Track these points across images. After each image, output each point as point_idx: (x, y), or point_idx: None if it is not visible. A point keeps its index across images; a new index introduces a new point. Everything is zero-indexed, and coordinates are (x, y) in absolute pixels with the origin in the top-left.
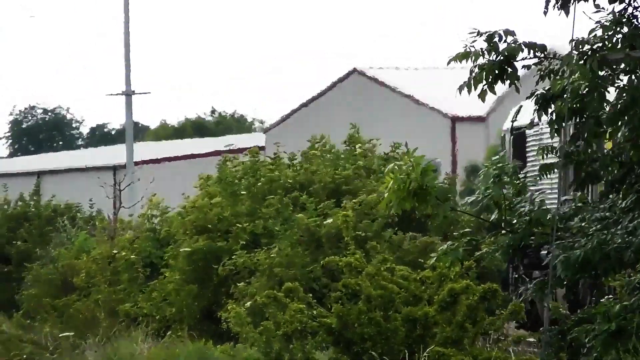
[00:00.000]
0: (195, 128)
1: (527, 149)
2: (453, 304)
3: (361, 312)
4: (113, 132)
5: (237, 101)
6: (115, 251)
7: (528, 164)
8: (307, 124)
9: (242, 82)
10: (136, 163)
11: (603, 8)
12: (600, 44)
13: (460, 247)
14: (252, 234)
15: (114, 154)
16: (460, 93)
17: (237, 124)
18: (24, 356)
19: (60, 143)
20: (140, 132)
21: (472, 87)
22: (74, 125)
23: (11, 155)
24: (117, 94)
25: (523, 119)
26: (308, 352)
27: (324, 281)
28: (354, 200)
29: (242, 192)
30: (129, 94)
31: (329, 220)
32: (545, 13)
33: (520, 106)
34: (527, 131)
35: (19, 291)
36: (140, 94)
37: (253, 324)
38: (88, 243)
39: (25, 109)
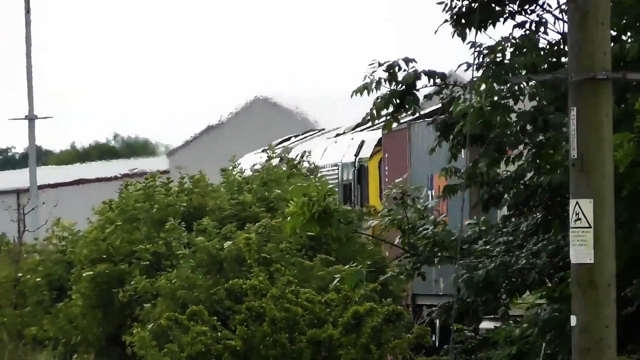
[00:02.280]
0: (101, 152)
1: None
2: (357, 326)
3: (266, 334)
4: (17, 157)
5: (141, 125)
6: (20, 274)
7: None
8: (211, 147)
9: (146, 107)
10: (40, 187)
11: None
12: (501, 56)
13: (363, 269)
14: (155, 254)
15: (17, 178)
16: (366, 124)
17: (142, 148)
18: None
19: None
20: (44, 156)
21: (375, 118)
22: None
23: None
24: (19, 119)
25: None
26: None
27: (227, 304)
28: (258, 224)
29: (140, 218)
30: (31, 119)
31: (229, 243)
32: (435, 32)
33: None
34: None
35: None
36: (42, 118)
37: (158, 347)
38: None
39: None
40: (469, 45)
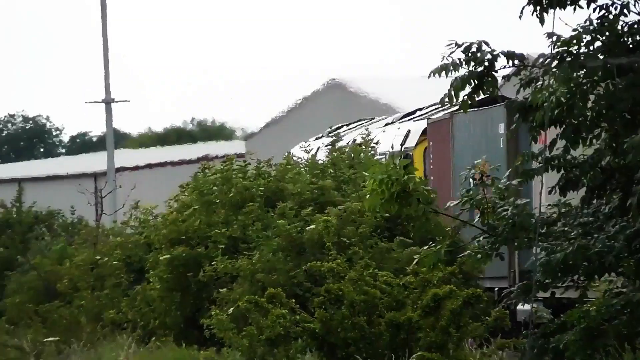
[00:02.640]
0: (178, 135)
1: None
2: (436, 309)
3: (344, 316)
4: (94, 139)
5: (218, 110)
6: (98, 257)
7: None
8: (287, 132)
9: (223, 91)
10: (117, 170)
11: (581, 7)
12: (577, 47)
13: (442, 249)
14: (231, 238)
15: (94, 162)
16: (442, 105)
17: (218, 132)
18: None
19: (42, 151)
20: (122, 140)
21: (454, 99)
22: (54, 133)
23: None
24: (97, 102)
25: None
26: (292, 356)
27: (306, 286)
28: (338, 207)
29: (217, 201)
30: (108, 102)
31: (312, 227)
32: (520, 17)
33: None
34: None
35: (2, 298)
36: (119, 101)
37: (236, 329)
38: (67, 250)
39: (5, 117)
40: (546, 35)
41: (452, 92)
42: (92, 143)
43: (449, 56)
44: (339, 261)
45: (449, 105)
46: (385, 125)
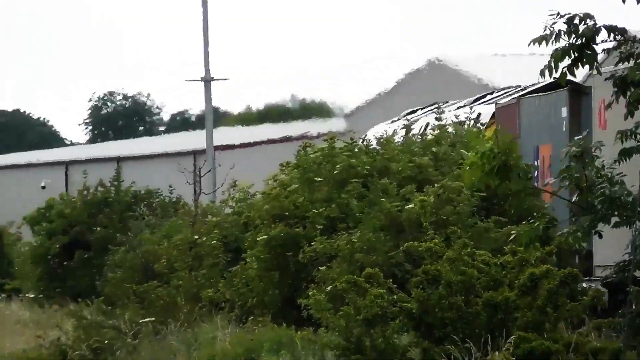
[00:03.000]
0: (278, 113)
1: None
2: (534, 289)
3: (442, 297)
4: (193, 118)
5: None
6: (196, 237)
7: None
8: (386, 110)
9: (319, 70)
10: (216, 148)
11: None
12: None
13: (540, 225)
14: (329, 218)
15: (194, 140)
16: (542, 77)
17: (318, 110)
18: (105, 342)
19: (141, 129)
20: (221, 118)
21: (554, 70)
22: (154, 111)
23: (90, 141)
24: (196, 80)
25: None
26: (389, 336)
27: (406, 267)
28: (436, 185)
29: (319, 179)
30: (208, 80)
31: (410, 205)
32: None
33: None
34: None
35: (100, 277)
36: (219, 79)
37: (333, 309)
38: (175, 230)
39: (105, 95)
40: None
41: (552, 64)
42: (191, 121)
43: (551, 26)
44: (437, 241)
45: (548, 76)
46: (458, 108)
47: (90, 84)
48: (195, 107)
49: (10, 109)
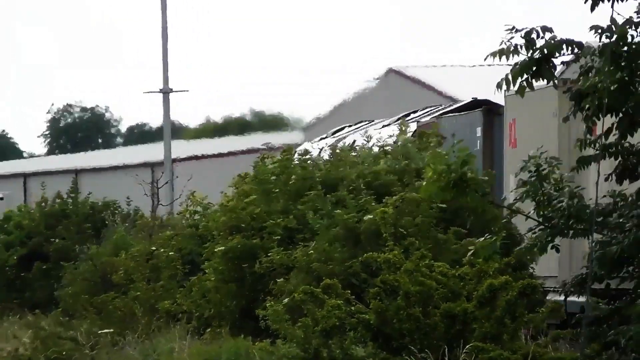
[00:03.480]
0: (236, 126)
1: None
2: (492, 300)
3: (400, 307)
4: (153, 129)
5: (274, 100)
6: (153, 248)
7: None
8: (344, 122)
9: (278, 82)
10: (174, 161)
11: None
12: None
13: (498, 240)
14: (287, 229)
15: (152, 152)
16: (499, 90)
17: (276, 123)
18: (63, 353)
19: (99, 141)
20: (179, 133)
21: (511, 84)
22: (112, 123)
23: (48, 153)
24: (154, 92)
25: None
26: (347, 347)
27: (362, 277)
28: (394, 197)
29: (276, 190)
30: (166, 92)
31: (369, 216)
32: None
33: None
34: None
35: (58, 288)
36: (177, 91)
37: (291, 320)
38: (125, 240)
39: (63, 106)
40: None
41: (510, 78)
42: (150, 134)
43: (508, 41)
44: (396, 252)
45: (506, 89)
46: (383, 127)
47: (48, 95)
48: (154, 119)
49: None
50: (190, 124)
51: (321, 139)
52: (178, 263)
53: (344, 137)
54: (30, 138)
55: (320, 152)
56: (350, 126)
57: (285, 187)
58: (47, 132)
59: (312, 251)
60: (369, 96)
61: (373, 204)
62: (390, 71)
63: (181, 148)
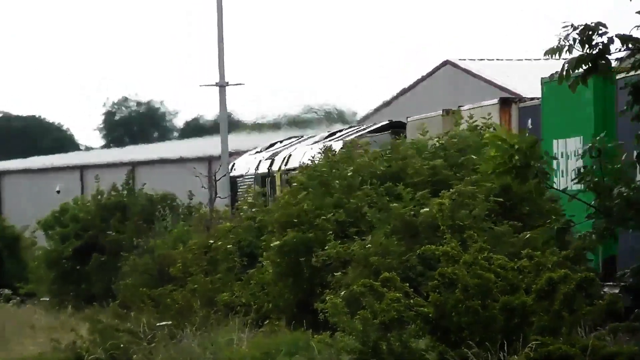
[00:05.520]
0: (292, 120)
1: (238, 189)
2: (550, 293)
3: (458, 301)
4: (209, 123)
5: (331, 93)
6: (211, 241)
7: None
8: (401, 114)
9: (335, 74)
10: (231, 154)
11: None
12: None
13: (554, 226)
14: (339, 223)
15: (208, 146)
16: (552, 80)
17: (332, 115)
18: (121, 345)
19: (155, 135)
20: (236, 125)
21: (565, 79)
22: (167, 117)
23: (105, 146)
24: (210, 85)
25: (235, 172)
26: (405, 340)
27: (419, 270)
28: (451, 190)
29: (333, 184)
30: (222, 85)
31: (426, 210)
32: None
33: (234, 164)
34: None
35: (115, 281)
36: (233, 85)
37: (350, 313)
38: (185, 234)
39: (119, 100)
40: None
41: (564, 73)
42: (206, 127)
43: (565, 38)
44: (454, 244)
45: (558, 84)
46: (313, 143)
47: (104, 88)
48: (210, 113)
49: (24, 114)
50: (246, 118)
51: (257, 152)
52: (236, 255)
53: (279, 152)
54: (87, 131)
55: (258, 165)
56: (282, 142)
57: (341, 179)
58: (103, 126)
59: (369, 245)
60: (425, 88)
61: (430, 197)
62: (446, 63)
63: (238, 141)
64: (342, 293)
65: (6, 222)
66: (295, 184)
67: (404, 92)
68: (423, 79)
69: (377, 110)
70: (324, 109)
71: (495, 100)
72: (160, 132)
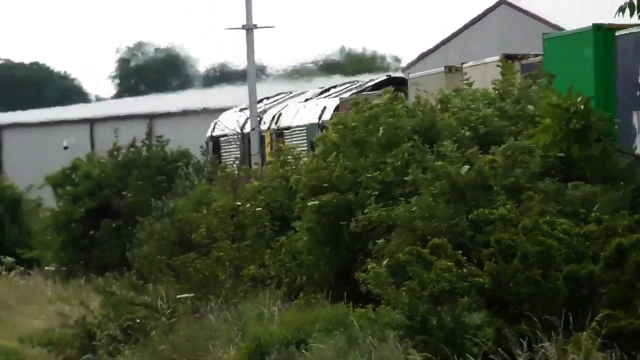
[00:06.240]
0: (325, 67)
1: (221, 150)
2: (621, 261)
3: (517, 270)
4: (235, 71)
5: (367, 37)
6: (238, 203)
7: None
8: (449, 60)
9: (372, 16)
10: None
11: None
12: None
13: (626, 193)
14: (384, 183)
15: (234, 96)
16: (622, 14)
17: (371, 63)
18: (137, 321)
19: (175, 83)
20: (264, 72)
21: (636, 9)
22: (189, 64)
23: (118, 96)
24: (237, 28)
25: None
26: (458, 315)
27: (469, 235)
28: (503, 146)
29: (365, 141)
30: (250, 28)
31: (466, 168)
32: None
33: (216, 122)
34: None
35: (130, 248)
36: (262, 27)
37: (395, 284)
38: (208, 194)
39: (134, 45)
40: None
41: (635, 2)
42: (231, 75)
43: None
44: (510, 207)
45: (629, 14)
46: (306, 100)
47: (117, 33)
48: (236, 60)
49: (27, 62)
50: (276, 65)
51: (241, 109)
52: (266, 219)
53: (267, 109)
54: (97, 80)
55: (244, 123)
56: (268, 98)
57: (373, 138)
58: (115, 74)
59: (415, 207)
60: (477, 31)
61: (481, 154)
62: (501, 3)
63: (267, 90)
64: (386, 262)
65: (6, 180)
66: (325, 143)
67: (452, 37)
68: (474, 22)
69: (420, 57)
70: (362, 52)
71: (497, 57)
72: (180, 80)
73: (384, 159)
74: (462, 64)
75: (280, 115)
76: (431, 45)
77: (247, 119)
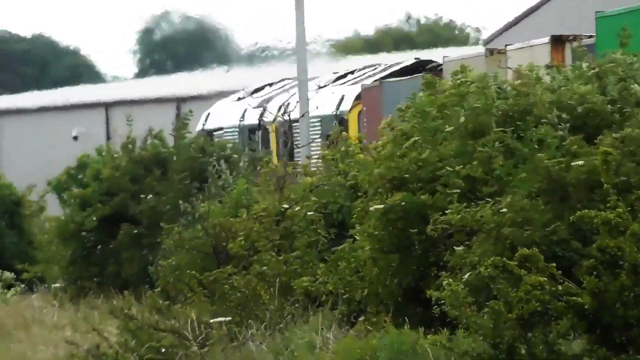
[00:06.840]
0: (392, 40)
1: None
2: None
3: (624, 287)
4: (278, 47)
5: (442, 7)
6: (286, 206)
7: None
8: (536, 32)
9: None
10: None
11: None
12: None
13: None
14: (469, 179)
15: (280, 75)
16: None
17: (446, 34)
18: (162, 350)
19: (208, 60)
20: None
21: None
22: (224, 37)
23: (139, 76)
24: None
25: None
26: (552, 342)
27: (572, 245)
28: (614, 135)
29: (445, 129)
30: None
31: (578, 162)
32: None
33: (209, 113)
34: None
35: (154, 261)
36: None
37: (476, 304)
38: (247, 195)
39: (160, 14)
40: None
41: None
42: (275, 53)
43: None
44: (620, 210)
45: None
46: (319, 88)
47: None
48: (282, 35)
49: (30, 35)
50: (333, 38)
51: (239, 99)
52: (320, 226)
53: (271, 98)
54: (114, 56)
55: (244, 114)
56: (271, 85)
57: (457, 123)
58: (136, 48)
59: (505, 209)
60: (562, 4)
61: (588, 145)
62: None
63: (319, 68)
64: (465, 276)
65: (3, 178)
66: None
67: (533, 9)
68: None
69: (500, 32)
70: (435, 23)
71: (547, 39)
72: (216, 56)
73: (469, 150)
74: (505, 45)
75: (288, 104)
76: (517, 14)
77: (247, 109)
